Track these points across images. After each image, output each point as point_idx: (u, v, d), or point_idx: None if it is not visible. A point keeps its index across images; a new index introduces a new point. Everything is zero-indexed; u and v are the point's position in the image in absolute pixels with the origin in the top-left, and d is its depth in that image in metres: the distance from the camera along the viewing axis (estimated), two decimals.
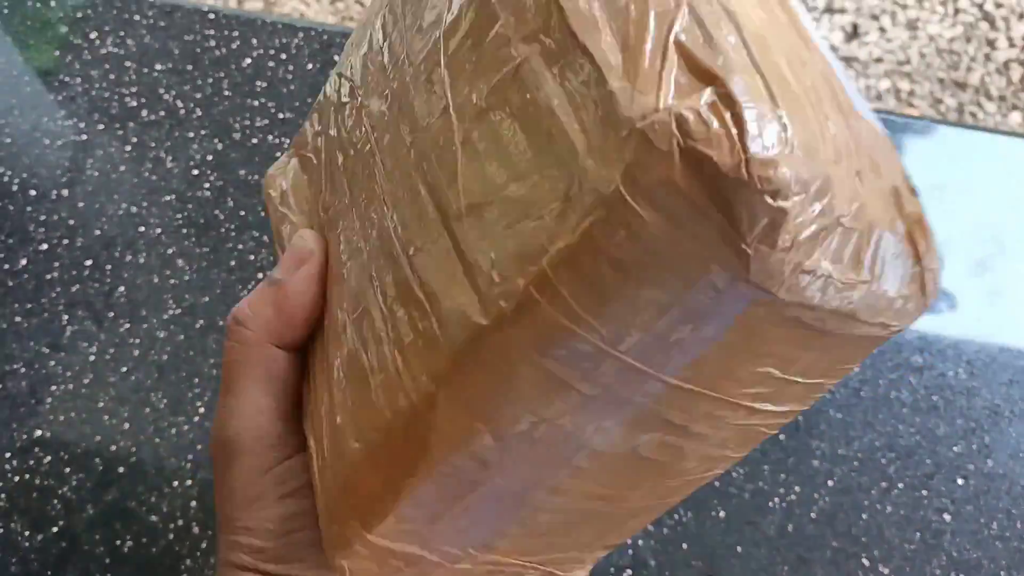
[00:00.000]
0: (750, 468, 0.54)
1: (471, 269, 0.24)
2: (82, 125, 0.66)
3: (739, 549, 0.52)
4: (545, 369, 0.24)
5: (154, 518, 0.53)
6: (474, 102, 0.25)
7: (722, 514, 0.53)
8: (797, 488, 0.53)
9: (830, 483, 0.53)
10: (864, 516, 0.53)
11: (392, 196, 0.28)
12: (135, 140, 0.66)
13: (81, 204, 0.63)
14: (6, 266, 0.61)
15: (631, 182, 0.20)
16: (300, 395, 0.33)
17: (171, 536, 0.52)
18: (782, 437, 0.54)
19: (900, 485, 0.53)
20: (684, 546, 0.52)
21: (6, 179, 0.64)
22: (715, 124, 0.19)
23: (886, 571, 0.51)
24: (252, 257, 0.61)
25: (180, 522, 0.53)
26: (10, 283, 0.60)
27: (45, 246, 0.61)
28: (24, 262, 0.61)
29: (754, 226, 0.20)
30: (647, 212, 0.21)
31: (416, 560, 0.29)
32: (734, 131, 0.19)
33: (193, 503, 0.53)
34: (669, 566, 0.50)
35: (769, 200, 0.20)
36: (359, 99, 0.31)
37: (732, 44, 0.21)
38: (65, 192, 0.64)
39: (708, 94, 0.20)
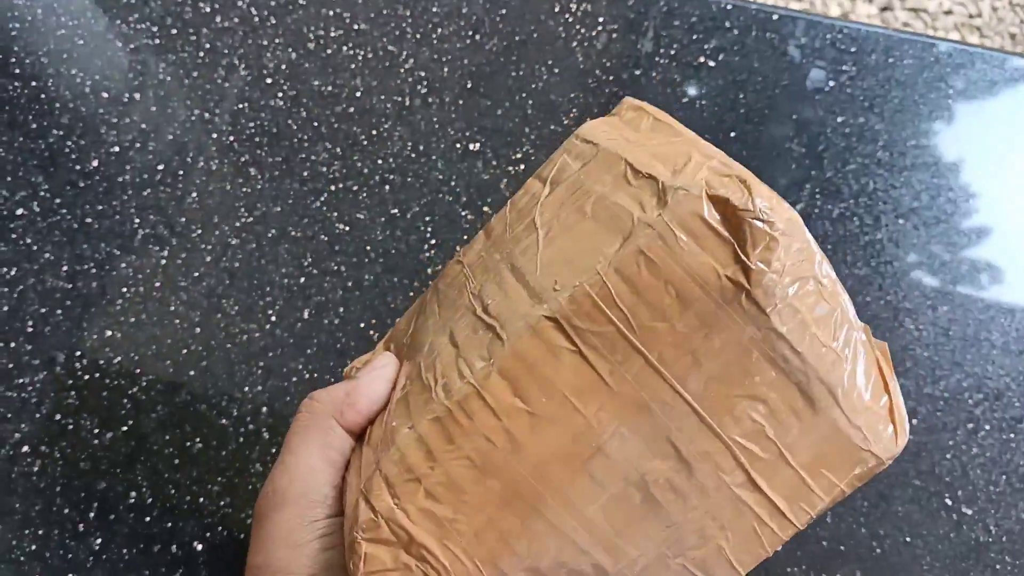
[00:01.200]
0: None
1: (535, 293, 0.32)
2: (155, 29, 0.65)
3: None
4: (582, 357, 0.31)
5: (224, 421, 0.52)
6: (560, 218, 0.34)
7: None
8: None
9: (915, 421, 0.52)
10: (948, 456, 0.51)
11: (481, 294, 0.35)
12: (208, 46, 0.64)
13: (153, 108, 0.62)
14: (78, 167, 0.60)
15: (671, 213, 0.30)
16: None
17: (240, 440, 0.52)
18: None
19: (987, 427, 0.52)
20: None
21: (78, 80, 0.63)
22: (733, 184, 0.30)
23: (969, 512, 0.50)
24: (324, 169, 0.59)
25: (251, 427, 0.52)
26: (81, 184, 0.60)
27: (116, 149, 0.61)
28: (96, 163, 0.60)
29: (756, 246, 0.30)
30: (680, 231, 0.30)
31: (425, 558, 0.31)
32: (744, 187, 0.30)
33: (264, 409, 0.53)
34: None
35: (767, 228, 0.30)
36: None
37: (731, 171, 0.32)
38: (137, 96, 0.63)
39: (729, 179, 0.30)
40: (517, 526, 0.31)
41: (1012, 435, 0.51)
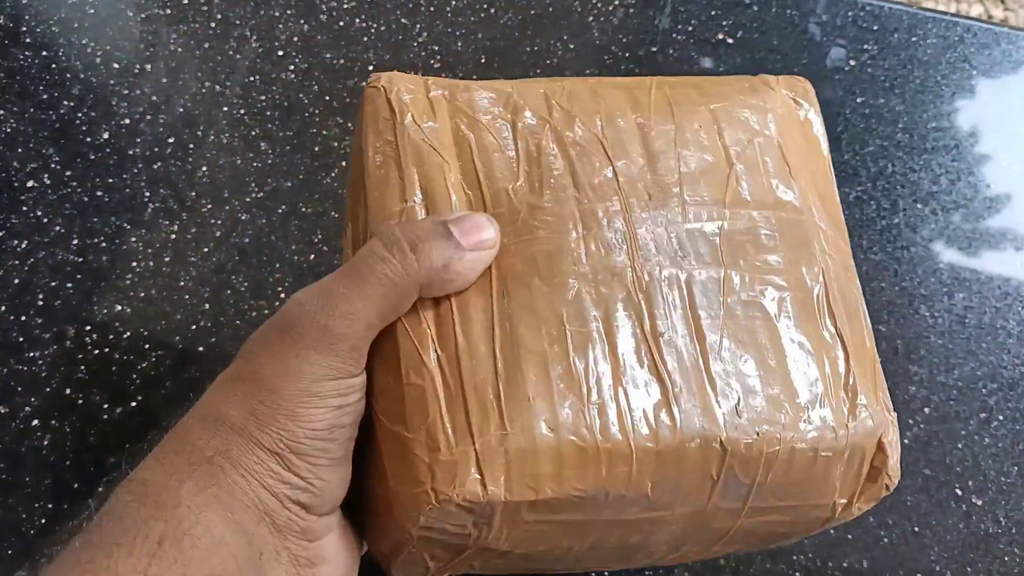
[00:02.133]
0: None
1: (718, 395, 0.31)
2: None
3: None
4: None
5: None
6: (748, 290, 0.33)
7: None
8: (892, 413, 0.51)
9: (926, 410, 0.51)
10: (960, 446, 0.51)
11: (646, 274, 0.32)
12: (219, 17, 0.64)
13: (164, 80, 0.62)
14: (88, 139, 0.60)
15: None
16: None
17: None
18: (880, 360, 0.52)
19: (1000, 417, 0.51)
20: None
21: (89, 50, 0.62)
22: None
23: (979, 503, 0.49)
24: (336, 144, 0.59)
25: None
26: (92, 156, 0.59)
27: (127, 121, 0.60)
28: (106, 135, 0.60)
29: None
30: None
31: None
32: None
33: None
34: None
35: None
36: (607, 152, 0.34)
37: None
38: (148, 67, 0.62)
39: None
40: None
41: None
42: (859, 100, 0.59)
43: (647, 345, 0.31)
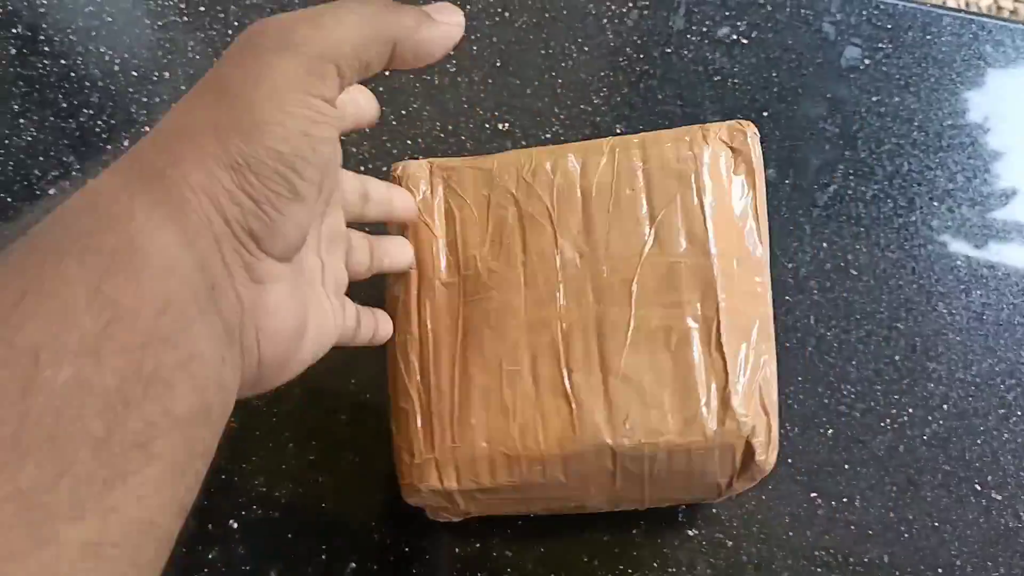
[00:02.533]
0: (861, 388, 0.52)
1: (612, 411, 0.41)
2: (183, 6, 0.65)
3: (846, 467, 0.51)
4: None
5: (257, 402, 0.53)
6: (651, 325, 0.42)
7: (830, 431, 0.51)
8: (910, 410, 0.52)
9: (945, 407, 0.52)
10: (979, 441, 0.51)
11: (567, 322, 0.42)
12: (236, 24, 0.64)
13: (183, 87, 0.62)
14: (108, 146, 0.60)
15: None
16: None
17: (274, 420, 0.53)
18: (897, 358, 0.53)
19: (1019, 412, 0.51)
20: (789, 460, 0.51)
21: (107, 58, 0.63)
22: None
23: (999, 498, 0.50)
24: (354, 149, 0.59)
25: (284, 407, 0.53)
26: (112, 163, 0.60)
27: (147, 128, 0.61)
28: (127, 143, 0.60)
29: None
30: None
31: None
32: None
33: (296, 390, 0.53)
34: (772, 479, 0.49)
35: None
36: (553, 221, 0.44)
37: None
38: (167, 74, 0.63)
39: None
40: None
41: None
42: (874, 99, 0.59)
43: (561, 377, 0.41)
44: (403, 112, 0.60)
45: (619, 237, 0.43)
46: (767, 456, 0.41)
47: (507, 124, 0.60)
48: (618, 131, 0.59)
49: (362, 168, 0.59)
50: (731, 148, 0.44)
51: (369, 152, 0.59)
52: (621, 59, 0.62)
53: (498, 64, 0.62)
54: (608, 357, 0.41)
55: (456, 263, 0.44)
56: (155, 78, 0.62)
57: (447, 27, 0.34)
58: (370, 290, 0.46)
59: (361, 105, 0.42)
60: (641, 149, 0.44)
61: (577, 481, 0.42)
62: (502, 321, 0.43)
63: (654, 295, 0.42)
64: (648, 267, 0.42)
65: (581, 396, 0.41)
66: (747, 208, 0.43)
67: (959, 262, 0.55)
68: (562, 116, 0.60)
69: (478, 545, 0.49)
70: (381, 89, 0.61)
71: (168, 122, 0.29)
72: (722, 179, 0.43)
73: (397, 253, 0.44)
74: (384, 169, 0.58)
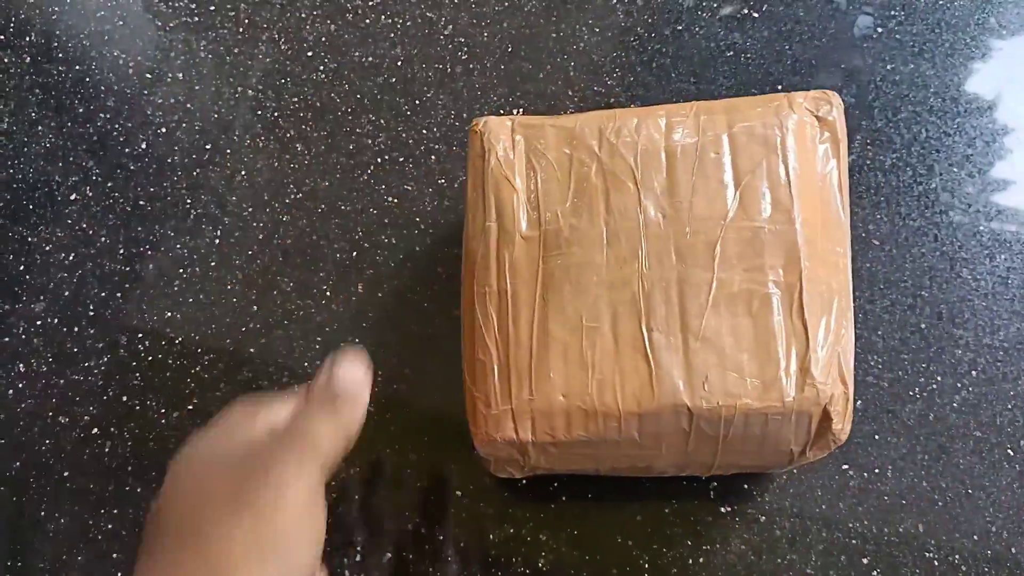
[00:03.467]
0: (888, 358, 0.52)
1: (691, 373, 0.41)
2: (193, 6, 0.65)
3: (876, 437, 0.50)
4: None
5: None
6: (733, 288, 0.42)
7: (859, 403, 0.51)
8: (939, 378, 0.51)
9: (974, 373, 0.51)
10: (1009, 406, 0.51)
11: (649, 281, 0.42)
12: (247, 22, 0.64)
13: (197, 87, 0.62)
14: (127, 149, 0.61)
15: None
16: None
17: None
18: (923, 326, 0.52)
19: None
20: None
21: (121, 62, 0.63)
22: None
23: None
24: (369, 141, 0.60)
25: None
26: (132, 167, 0.60)
27: (164, 130, 0.61)
28: (144, 145, 0.61)
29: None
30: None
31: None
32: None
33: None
34: None
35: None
36: (637, 180, 0.44)
37: None
38: (180, 75, 0.63)
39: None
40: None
41: None
42: (889, 67, 0.59)
43: (641, 336, 0.41)
44: (417, 102, 0.60)
45: (703, 200, 0.43)
46: (843, 425, 0.41)
47: (521, 110, 0.60)
48: None
49: (379, 159, 0.59)
50: (816, 116, 0.44)
51: (385, 143, 0.59)
52: (632, 39, 0.62)
53: (509, 50, 0.62)
54: (689, 318, 0.41)
55: (537, 218, 0.44)
56: (169, 79, 0.63)
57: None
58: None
59: None
60: (726, 114, 0.44)
61: (651, 440, 0.42)
62: (583, 277, 0.42)
63: (737, 259, 0.42)
64: (732, 231, 0.42)
65: (660, 356, 0.41)
66: (831, 176, 0.44)
67: (981, 227, 0.55)
68: (576, 99, 0.60)
69: (511, 531, 0.50)
70: (394, 80, 0.61)
71: (208, 544, 0.32)
72: (807, 147, 0.43)
73: None
74: (400, 159, 0.59)
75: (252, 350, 0.55)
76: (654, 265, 0.42)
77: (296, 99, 0.61)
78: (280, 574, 0.32)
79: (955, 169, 0.56)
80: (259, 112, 0.61)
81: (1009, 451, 0.50)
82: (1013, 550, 0.48)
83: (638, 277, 0.42)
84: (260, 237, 0.57)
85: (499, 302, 0.43)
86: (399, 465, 0.51)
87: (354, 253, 0.56)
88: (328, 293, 0.56)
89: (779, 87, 0.59)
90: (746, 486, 0.50)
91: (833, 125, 0.44)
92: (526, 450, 0.43)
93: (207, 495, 0.33)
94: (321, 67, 0.62)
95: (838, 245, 0.43)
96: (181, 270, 0.57)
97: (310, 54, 0.63)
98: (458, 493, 0.51)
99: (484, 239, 0.45)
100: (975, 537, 0.48)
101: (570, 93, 0.60)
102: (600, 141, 0.44)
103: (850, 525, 0.49)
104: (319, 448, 0.34)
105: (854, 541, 0.48)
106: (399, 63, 0.62)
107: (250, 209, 0.58)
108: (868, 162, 0.57)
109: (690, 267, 0.42)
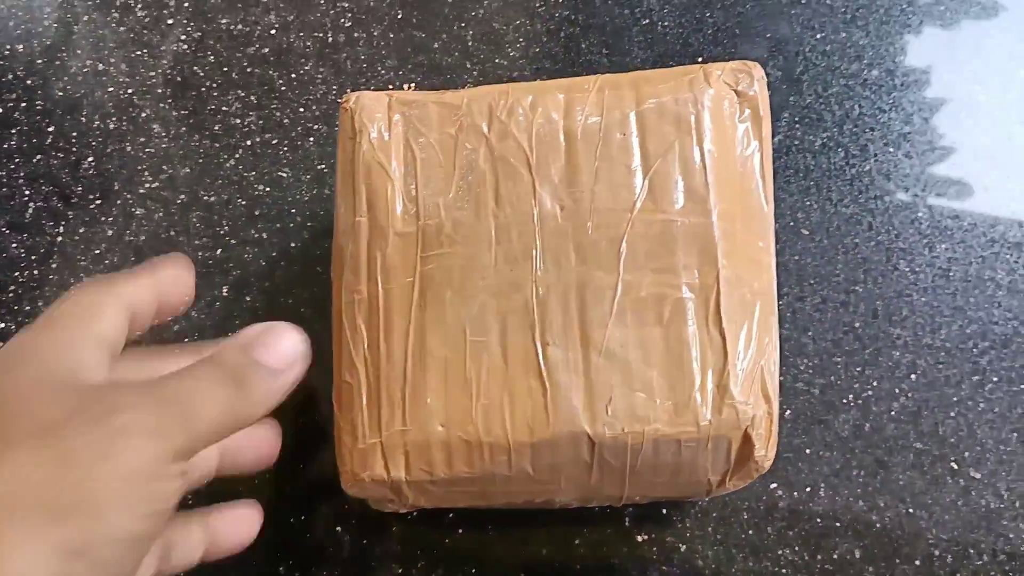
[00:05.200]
0: (819, 361, 0.47)
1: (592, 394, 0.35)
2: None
3: (807, 452, 0.45)
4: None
5: None
6: (640, 293, 0.36)
7: (787, 413, 0.46)
8: (875, 383, 0.46)
9: (913, 377, 0.46)
10: (952, 414, 0.46)
11: (544, 286, 0.36)
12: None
13: (39, 61, 0.54)
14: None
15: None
16: None
17: None
18: (858, 325, 0.47)
19: (995, 379, 0.46)
20: None
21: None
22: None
23: (977, 476, 0.45)
24: (238, 121, 0.52)
25: None
26: None
27: (0, 110, 0.53)
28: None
29: None
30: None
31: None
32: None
33: None
34: None
35: None
36: (532, 167, 0.37)
37: None
38: (20, 47, 0.55)
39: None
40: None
41: (1021, 386, 0.46)
42: (819, 36, 0.53)
43: (534, 353, 0.35)
44: (293, 76, 0.53)
45: (607, 189, 0.37)
46: (767, 452, 0.36)
47: (413, 84, 0.53)
48: None
49: (249, 142, 0.51)
50: (735, 91, 0.38)
51: (256, 124, 0.52)
52: (538, 5, 0.55)
53: (399, 16, 0.55)
54: (590, 329, 0.35)
55: (415, 212, 0.37)
56: (7, 52, 0.54)
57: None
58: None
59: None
60: (634, 89, 0.38)
61: (547, 473, 0.36)
62: (467, 282, 0.36)
63: (645, 258, 0.36)
64: (639, 225, 0.36)
65: (557, 375, 0.35)
66: (752, 161, 0.38)
67: (920, 214, 0.49)
68: (475, 72, 0.53)
69: (400, 571, 0.43)
70: (267, 51, 0.54)
71: None
72: (725, 126, 0.38)
73: (234, 533, 0.37)
74: (274, 142, 0.51)
75: None
76: (550, 267, 0.36)
77: (153, 74, 0.54)
78: (89, 544, 0.25)
79: (891, 149, 0.51)
80: (111, 89, 0.53)
81: (953, 464, 0.45)
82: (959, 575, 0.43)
83: (531, 281, 0.36)
84: (109, 233, 0.50)
85: (369, 312, 0.37)
86: (268, 496, 0.44)
87: (218, 251, 0.49)
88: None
89: (699, 59, 0.53)
90: (664, 511, 0.44)
91: (755, 101, 0.38)
92: (400, 489, 0.36)
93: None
94: (183, 36, 0.54)
95: (760, 239, 0.38)
96: (16, 273, 0.49)
97: (171, 21, 0.55)
98: (337, 529, 0.44)
99: (354, 236, 0.38)
100: (917, 563, 0.43)
101: (468, 66, 0.53)
102: (490, 121, 0.38)
103: (779, 552, 0.43)
104: (191, 426, 0.28)
105: (784, 571, 0.43)
106: (272, 31, 0.54)
107: (98, 201, 0.50)
108: (796, 142, 0.51)
109: (592, 269, 0.36)
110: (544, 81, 0.40)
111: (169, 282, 0.34)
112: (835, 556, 0.43)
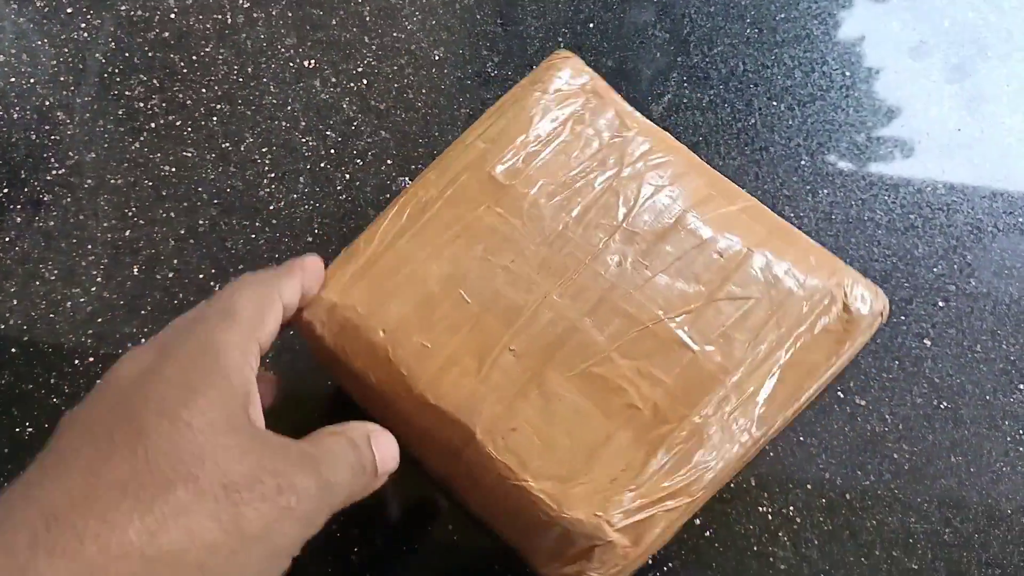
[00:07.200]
0: None
1: (509, 413, 0.35)
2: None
3: None
4: None
5: (55, 400, 0.47)
6: (613, 376, 0.36)
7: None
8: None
9: None
10: None
11: (549, 307, 0.37)
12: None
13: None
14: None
15: None
16: None
17: None
18: None
19: None
20: None
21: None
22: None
23: (863, 403, 0.47)
24: (141, 104, 0.53)
25: None
26: None
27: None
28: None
29: None
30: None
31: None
32: None
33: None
34: None
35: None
36: (630, 216, 0.38)
37: None
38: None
39: None
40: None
41: (902, 317, 0.49)
42: None
43: (495, 346, 0.36)
44: (194, 58, 0.54)
45: (667, 283, 0.37)
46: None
47: (313, 61, 0.54)
48: (436, 58, 0.54)
49: (152, 124, 0.52)
50: (846, 305, 0.38)
51: (159, 107, 0.53)
52: None
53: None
54: (550, 366, 0.36)
55: (521, 172, 0.39)
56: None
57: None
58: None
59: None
60: (775, 239, 0.39)
61: (422, 436, 0.36)
62: (500, 252, 0.37)
63: (642, 356, 0.36)
64: (663, 330, 0.36)
65: (496, 377, 0.35)
66: (810, 374, 0.37)
67: (803, 162, 0.52)
68: (373, 46, 0.55)
69: None
70: (167, 35, 0.54)
71: (78, 461, 0.26)
72: (814, 327, 0.37)
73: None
74: (178, 123, 0.52)
75: (13, 350, 0.48)
76: (568, 298, 0.37)
77: (55, 62, 0.54)
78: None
79: (774, 103, 0.53)
80: (12, 79, 0.54)
81: (839, 393, 0.48)
82: (847, 496, 0.46)
83: (544, 294, 0.37)
84: (18, 220, 0.50)
85: (419, 209, 0.38)
86: None
87: (127, 232, 0.50)
88: (99, 279, 0.49)
89: (590, 24, 0.55)
90: None
91: (857, 322, 0.37)
92: (321, 347, 0.37)
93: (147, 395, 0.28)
94: (83, 24, 0.55)
95: (746, 431, 0.36)
96: None
97: (70, 10, 0.55)
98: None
99: (459, 152, 0.39)
100: (808, 486, 0.46)
101: (367, 40, 0.55)
102: (637, 157, 0.39)
103: None
104: (329, 512, 0.30)
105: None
106: (172, 15, 0.55)
107: (4, 190, 0.51)
108: (685, 100, 0.53)
109: (597, 327, 0.36)
110: (704, 165, 0.40)
111: (309, 285, 0.36)
112: (732, 485, 0.46)
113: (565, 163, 0.39)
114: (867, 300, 0.38)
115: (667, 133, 0.41)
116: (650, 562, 0.44)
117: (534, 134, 0.39)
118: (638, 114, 0.41)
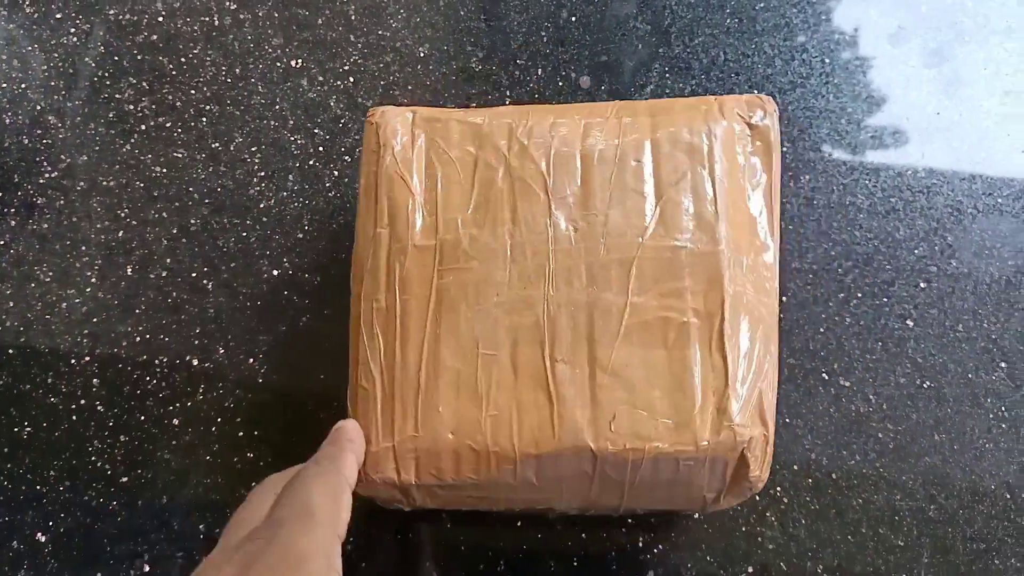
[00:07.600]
0: None
1: (597, 410, 0.36)
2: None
3: None
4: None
5: (52, 400, 0.48)
6: (647, 316, 0.37)
7: None
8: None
9: (784, 299, 0.50)
10: (822, 330, 0.49)
11: (555, 304, 0.38)
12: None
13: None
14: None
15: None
16: None
17: (74, 418, 0.47)
18: None
19: (859, 295, 0.50)
20: None
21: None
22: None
23: (847, 384, 0.48)
24: (131, 107, 0.54)
25: (82, 402, 0.48)
26: None
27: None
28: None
29: None
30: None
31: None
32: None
33: (95, 381, 0.48)
34: None
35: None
36: (548, 188, 0.39)
37: None
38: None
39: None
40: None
41: (885, 299, 0.50)
42: None
43: (544, 368, 0.37)
44: (182, 60, 0.55)
45: (620, 213, 0.38)
46: (761, 472, 0.37)
47: (300, 60, 0.55)
48: (421, 54, 0.55)
49: (143, 127, 0.53)
50: (748, 124, 0.40)
51: (149, 109, 0.53)
52: None
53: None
54: (597, 348, 0.37)
55: (434, 225, 0.39)
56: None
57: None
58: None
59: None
60: (650, 117, 0.40)
61: (550, 484, 0.38)
62: (482, 297, 0.38)
63: (653, 282, 0.37)
64: (649, 249, 0.38)
65: (564, 391, 0.37)
66: (761, 192, 0.39)
67: (785, 149, 0.53)
68: (359, 44, 0.55)
69: None
70: (155, 38, 0.55)
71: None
72: (736, 158, 0.39)
73: None
74: (168, 125, 0.53)
75: (10, 351, 0.48)
76: (562, 286, 0.38)
77: (46, 67, 0.55)
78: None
79: (755, 91, 0.54)
80: (3, 85, 0.54)
81: (824, 375, 0.48)
82: (833, 476, 0.46)
83: (544, 299, 0.38)
84: (12, 224, 0.51)
85: (387, 321, 0.38)
86: (181, 466, 0.46)
87: (120, 233, 0.51)
88: (93, 280, 0.50)
89: (573, 18, 0.56)
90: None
91: (766, 133, 0.40)
92: (409, 492, 0.38)
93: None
94: (72, 29, 0.56)
95: (765, 268, 0.39)
96: None
97: (59, 16, 0.56)
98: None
99: (374, 247, 0.39)
100: (795, 467, 0.47)
101: (352, 38, 0.55)
102: (510, 141, 0.40)
103: None
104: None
105: None
106: (160, 18, 0.56)
107: None
108: (667, 91, 0.54)
109: (602, 290, 0.38)
110: (564, 105, 0.41)
111: (359, 453, 0.37)
112: None
113: (461, 190, 0.40)
114: (756, 110, 0.41)
115: (510, 106, 0.42)
116: (640, 544, 0.45)
117: (416, 190, 0.40)
118: (481, 110, 0.41)
